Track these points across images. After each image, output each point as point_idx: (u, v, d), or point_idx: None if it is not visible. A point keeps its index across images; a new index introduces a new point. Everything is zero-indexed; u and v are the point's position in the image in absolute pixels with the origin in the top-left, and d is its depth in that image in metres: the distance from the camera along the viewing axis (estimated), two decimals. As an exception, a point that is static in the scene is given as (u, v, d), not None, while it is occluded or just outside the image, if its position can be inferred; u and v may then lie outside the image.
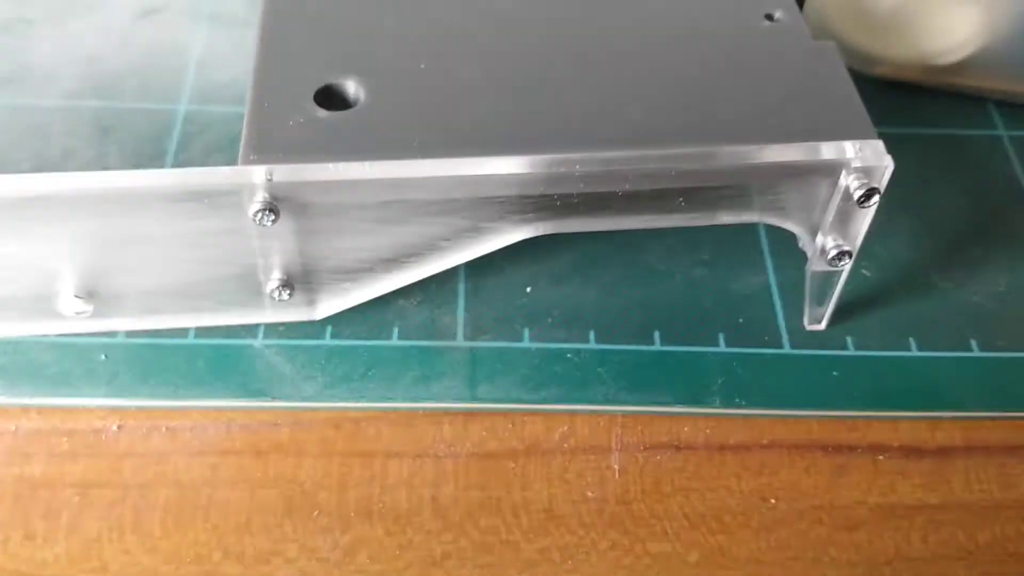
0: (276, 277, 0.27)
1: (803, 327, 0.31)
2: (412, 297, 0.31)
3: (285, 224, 0.26)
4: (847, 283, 0.29)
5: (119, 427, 0.28)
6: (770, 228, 0.32)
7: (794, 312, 0.31)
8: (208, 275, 0.27)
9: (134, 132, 0.34)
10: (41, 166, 0.33)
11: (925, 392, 0.30)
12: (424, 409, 0.29)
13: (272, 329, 0.29)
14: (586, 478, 0.28)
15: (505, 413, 0.29)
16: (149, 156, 0.33)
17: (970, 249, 0.33)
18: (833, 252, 0.28)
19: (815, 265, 0.29)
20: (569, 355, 0.30)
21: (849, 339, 0.31)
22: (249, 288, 0.28)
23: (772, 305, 0.31)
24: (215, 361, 0.29)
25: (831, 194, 0.27)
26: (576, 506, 0.27)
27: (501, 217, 0.27)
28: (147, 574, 0.26)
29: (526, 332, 0.30)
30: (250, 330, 0.29)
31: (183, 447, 0.28)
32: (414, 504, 0.27)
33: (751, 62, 0.29)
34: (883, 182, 0.26)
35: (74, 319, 0.28)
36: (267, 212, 0.25)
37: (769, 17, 0.30)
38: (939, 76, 0.37)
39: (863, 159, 0.26)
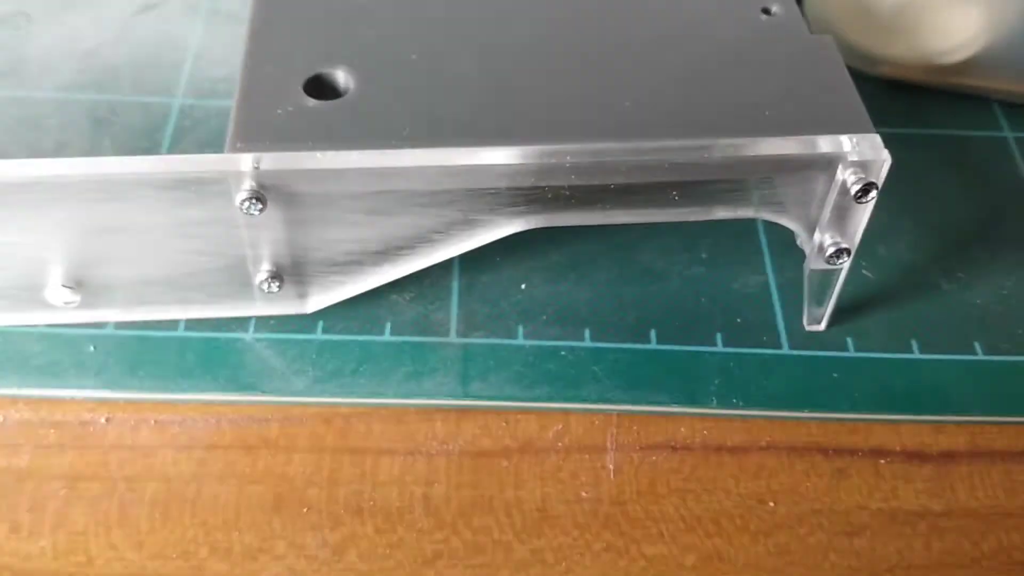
0: (265, 269, 0.27)
1: (803, 328, 0.30)
2: (405, 292, 0.30)
3: (273, 213, 0.25)
4: (848, 284, 0.29)
5: (107, 419, 0.28)
6: (770, 227, 0.32)
7: (794, 313, 0.31)
8: (197, 266, 0.27)
9: (128, 125, 0.34)
10: (35, 157, 0.32)
11: (928, 395, 0.29)
12: (416, 406, 0.28)
13: (263, 322, 0.29)
14: (580, 478, 0.28)
15: (498, 411, 0.29)
16: (143, 149, 0.33)
17: (974, 251, 0.33)
18: (831, 250, 0.27)
19: (813, 263, 0.28)
20: (563, 352, 0.29)
21: (850, 340, 0.30)
22: (238, 280, 0.27)
23: (771, 305, 0.31)
24: (205, 354, 0.28)
25: (828, 189, 0.26)
26: (570, 506, 0.27)
27: (492, 210, 0.26)
28: (132, 568, 0.25)
29: (520, 329, 0.30)
30: (241, 323, 0.29)
31: (171, 441, 0.27)
32: (405, 502, 0.27)
33: (747, 55, 0.28)
34: (880, 177, 0.26)
35: (62, 309, 0.27)
36: (254, 200, 0.25)
37: (766, 11, 0.30)
38: (942, 76, 0.36)
39: (860, 153, 0.26)
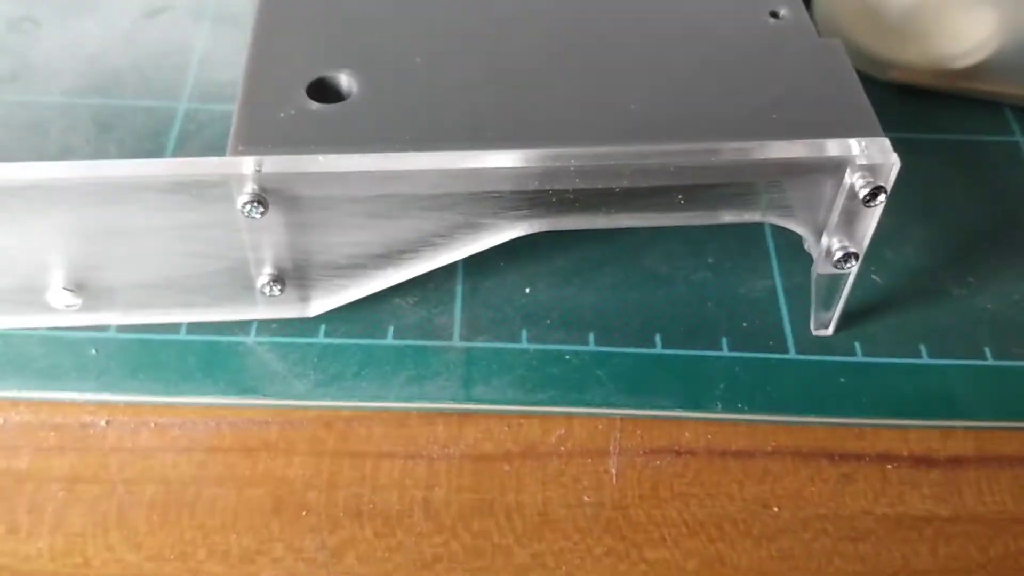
0: (267, 272, 0.27)
1: (810, 332, 0.30)
2: (408, 296, 0.30)
3: (275, 217, 0.25)
4: (856, 288, 0.29)
5: (107, 422, 0.28)
6: (777, 232, 0.32)
7: (801, 318, 0.30)
8: (199, 269, 0.27)
9: (133, 129, 0.34)
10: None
11: (936, 400, 0.29)
12: (417, 409, 0.28)
13: (265, 326, 0.29)
14: (582, 482, 0.27)
15: (501, 415, 0.28)
16: (148, 153, 0.33)
17: (985, 256, 0.33)
18: (839, 254, 0.27)
19: (821, 267, 0.28)
20: (567, 356, 0.29)
21: (857, 345, 0.30)
22: (240, 283, 0.27)
23: (778, 310, 0.31)
24: (206, 357, 0.28)
25: (836, 193, 0.26)
26: (572, 510, 0.27)
27: (495, 213, 0.26)
28: (130, 570, 0.25)
29: (524, 333, 0.30)
30: (242, 327, 0.29)
31: (171, 443, 0.27)
32: (405, 505, 0.27)
33: (754, 59, 0.28)
34: (889, 180, 0.26)
35: (64, 312, 0.27)
36: (256, 204, 0.24)
37: (774, 14, 0.29)
38: (953, 81, 0.36)
39: (869, 156, 0.25)
